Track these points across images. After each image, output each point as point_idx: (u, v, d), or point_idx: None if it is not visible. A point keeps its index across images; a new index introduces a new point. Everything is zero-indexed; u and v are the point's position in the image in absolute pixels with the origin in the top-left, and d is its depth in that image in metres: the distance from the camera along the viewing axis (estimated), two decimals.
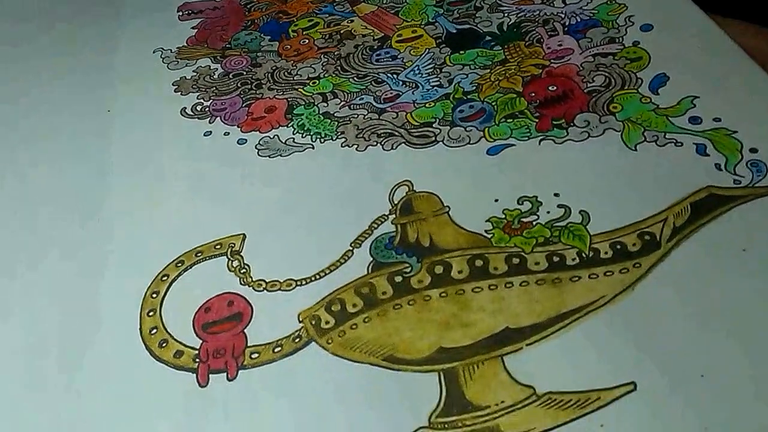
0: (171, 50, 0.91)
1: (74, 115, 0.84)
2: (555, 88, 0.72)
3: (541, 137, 0.67)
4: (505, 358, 0.54)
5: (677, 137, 0.66)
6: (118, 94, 0.86)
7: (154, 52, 0.91)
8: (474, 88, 0.74)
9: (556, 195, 0.63)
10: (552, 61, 0.75)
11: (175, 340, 0.61)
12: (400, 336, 0.56)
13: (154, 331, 0.62)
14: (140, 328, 0.63)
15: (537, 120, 0.69)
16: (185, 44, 0.92)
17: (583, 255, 0.58)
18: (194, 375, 0.59)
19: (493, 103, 0.72)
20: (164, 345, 0.60)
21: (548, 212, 0.62)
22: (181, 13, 0.99)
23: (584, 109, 0.69)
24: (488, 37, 0.79)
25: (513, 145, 0.68)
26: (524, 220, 0.61)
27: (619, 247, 0.58)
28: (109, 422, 0.57)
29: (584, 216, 0.61)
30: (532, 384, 0.52)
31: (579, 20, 0.80)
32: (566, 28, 0.79)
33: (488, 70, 0.75)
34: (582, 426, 0.49)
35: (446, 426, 0.51)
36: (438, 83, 0.75)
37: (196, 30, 0.95)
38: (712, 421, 0.48)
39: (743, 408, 0.48)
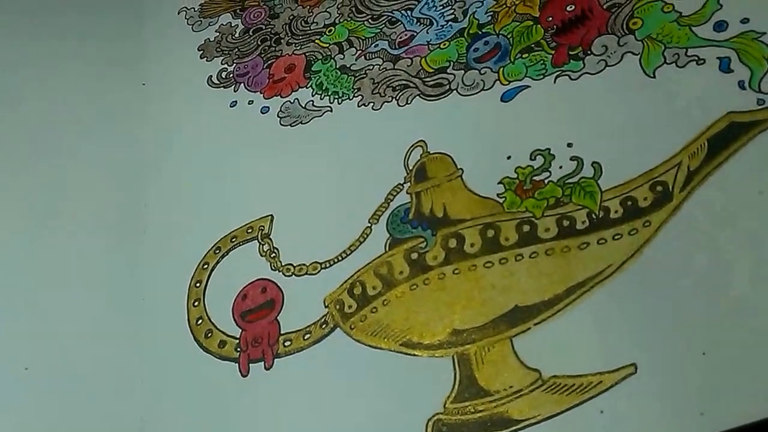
0: (194, 8, 0.94)
1: (108, 92, 0.89)
2: (573, 7, 0.71)
3: (557, 73, 0.68)
4: (514, 339, 0.58)
5: (699, 53, 0.64)
6: (149, 65, 0.92)
7: (178, 13, 0.95)
8: (489, 18, 0.74)
9: (569, 146, 0.64)
10: None
11: (219, 330, 0.69)
12: (417, 318, 0.61)
13: (200, 321, 0.69)
14: (188, 319, 0.71)
15: (553, 52, 0.69)
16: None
17: (593, 216, 0.60)
18: (236, 365, 0.66)
19: (509, 36, 0.72)
20: (210, 335, 0.68)
21: (560, 167, 0.64)
22: None
23: (602, 30, 0.69)
24: None
25: (528, 86, 0.69)
26: (536, 178, 0.64)
27: (629, 203, 0.60)
28: (170, 415, 0.67)
29: (596, 169, 0.62)
30: (538, 367, 0.56)
31: None
32: None
33: None
34: (583, 411, 0.53)
35: (460, 411, 0.57)
36: (453, 16, 0.76)
37: None
38: (709, 405, 0.51)
39: (742, 389, 0.51)
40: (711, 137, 0.60)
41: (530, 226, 0.61)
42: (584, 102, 0.65)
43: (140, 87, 0.89)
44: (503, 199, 0.63)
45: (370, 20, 0.80)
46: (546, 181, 0.62)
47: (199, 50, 0.89)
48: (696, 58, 0.63)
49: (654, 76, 0.64)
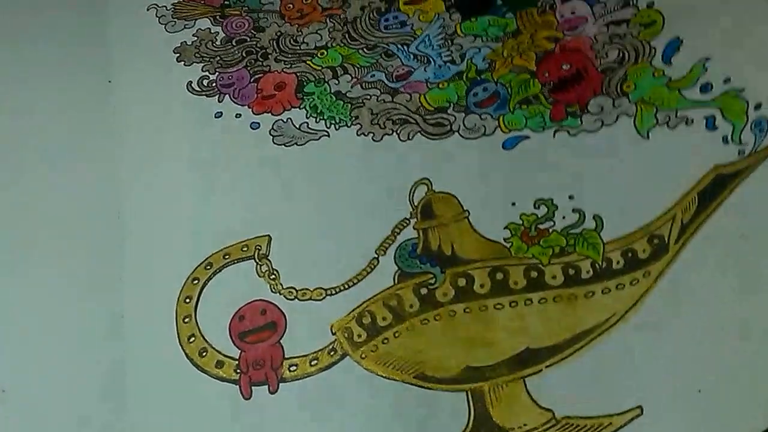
0: (166, 7, 0.91)
1: (74, 91, 0.85)
2: (569, 66, 0.76)
3: (556, 128, 0.73)
4: (527, 379, 0.63)
5: (688, 113, 0.72)
6: (116, 62, 0.87)
7: (148, 10, 0.91)
8: (487, 66, 0.78)
9: (570, 198, 0.69)
10: (565, 32, 0.79)
11: (215, 349, 0.69)
12: (429, 354, 0.65)
13: (192, 338, 0.70)
14: (178, 336, 0.71)
15: (551, 107, 0.74)
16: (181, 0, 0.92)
17: (597, 266, 0.66)
18: (237, 386, 0.68)
19: (507, 85, 0.77)
20: (204, 354, 0.69)
21: (564, 217, 0.69)
22: None
23: (597, 91, 0.74)
24: (499, 2, 0.83)
25: (528, 137, 0.73)
26: (541, 226, 0.68)
27: (630, 255, 0.66)
28: None
29: (597, 221, 0.68)
30: (551, 407, 0.61)
31: None
32: None
33: (500, 44, 0.80)
34: None
35: None
36: (450, 58, 0.80)
37: None
38: None
39: (734, 424, 0.58)
40: (700, 191, 0.68)
41: (538, 273, 0.66)
42: (583, 157, 0.71)
43: (107, 86, 0.86)
44: (510, 244, 0.67)
45: (365, 49, 0.82)
46: (550, 230, 0.68)
47: (175, 52, 0.87)
48: (685, 119, 0.71)
49: (648, 137, 0.70)
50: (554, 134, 0.72)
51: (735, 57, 0.73)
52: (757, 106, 0.69)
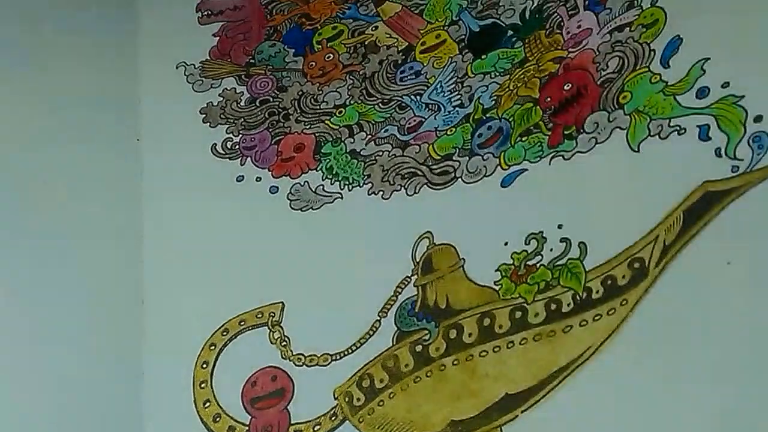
0: (194, 65, 0.98)
1: (101, 147, 0.90)
2: (570, 86, 0.76)
3: (552, 154, 0.73)
4: (504, 427, 0.62)
5: (681, 122, 0.69)
6: (145, 120, 0.93)
7: (177, 68, 0.98)
8: (493, 102, 0.79)
9: (559, 227, 0.68)
10: (570, 50, 0.78)
11: (227, 414, 0.76)
12: (418, 411, 0.68)
13: (207, 404, 0.77)
14: (194, 401, 0.77)
15: (549, 133, 0.73)
16: (209, 57, 0.98)
17: (577, 297, 0.64)
18: None
19: (510, 119, 0.76)
20: (218, 420, 0.76)
21: (551, 249, 0.69)
22: (200, 14, 1.00)
23: (595, 107, 0.73)
24: (510, 32, 0.83)
25: (526, 170, 0.74)
26: (529, 263, 0.69)
27: (609, 282, 0.66)
28: None
29: (582, 249, 0.67)
30: None
31: None
32: (587, 1, 0.80)
33: (508, 76, 0.80)
34: None
35: None
36: (459, 102, 0.82)
37: (217, 38, 0.99)
38: None
39: None
40: (686, 209, 0.66)
41: (522, 312, 0.68)
42: (575, 182, 0.72)
43: (134, 143, 0.91)
44: (499, 286, 0.69)
45: (380, 104, 0.86)
46: (538, 265, 0.69)
47: (201, 113, 0.94)
48: (678, 128, 0.69)
49: (638, 150, 0.70)
50: (550, 161, 0.73)
51: (736, 59, 0.69)
52: (758, 119, 0.65)
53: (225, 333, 0.80)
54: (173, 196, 0.90)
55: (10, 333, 0.77)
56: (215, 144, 0.91)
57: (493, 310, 0.69)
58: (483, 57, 0.86)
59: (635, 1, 0.78)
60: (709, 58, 0.70)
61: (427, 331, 0.71)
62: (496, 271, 0.71)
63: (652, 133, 0.70)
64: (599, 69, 0.77)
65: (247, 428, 0.74)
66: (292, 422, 0.73)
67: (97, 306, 0.82)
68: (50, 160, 0.88)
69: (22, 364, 0.76)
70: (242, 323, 0.80)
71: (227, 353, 0.78)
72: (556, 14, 0.83)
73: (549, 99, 0.78)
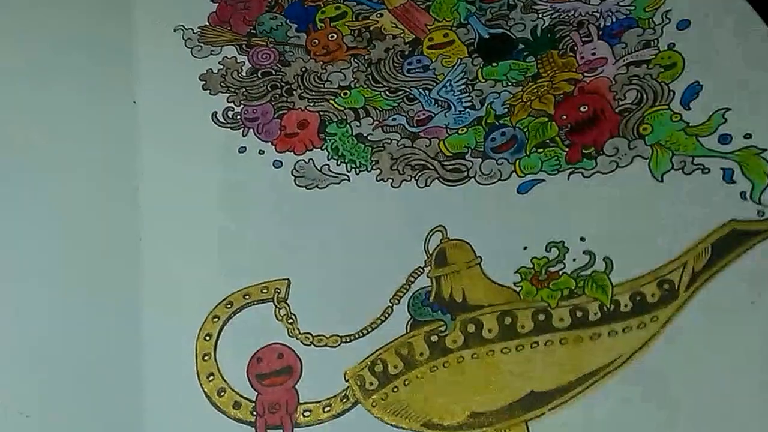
0: (193, 30, 0.96)
1: (96, 111, 0.88)
2: (586, 108, 0.78)
3: (570, 170, 0.75)
4: (530, 423, 0.64)
5: (705, 162, 0.73)
6: (141, 83, 0.91)
7: (175, 31, 0.96)
8: (506, 110, 0.81)
9: (582, 240, 0.71)
10: (585, 74, 0.81)
11: (233, 389, 0.74)
12: (436, 400, 0.69)
13: (212, 377, 0.75)
14: (197, 373, 0.75)
15: (567, 149, 0.76)
16: (208, 23, 0.96)
17: (605, 308, 0.67)
18: (253, 429, 0.72)
19: (525, 129, 0.79)
20: (222, 394, 0.74)
21: (574, 259, 0.71)
22: None
23: (614, 132, 0.76)
24: (521, 45, 0.85)
25: (543, 180, 0.76)
26: (551, 269, 0.71)
27: (638, 298, 0.68)
28: None
29: (607, 263, 0.70)
30: None
31: (615, 20, 0.84)
32: (601, 32, 0.84)
33: (520, 88, 0.82)
34: None
35: None
36: (470, 104, 0.83)
37: (217, 4, 0.98)
38: None
39: None
40: (714, 242, 0.69)
41: (545, 315, 0.68)
42: (596, 199, 0.74)
43: (132, 106, 0.89)
44: (520, 288, 0.69)
45: (387, 92, 0.86)
46: (560, 272, 0.70)
47: (201, 79, 0.92)
48: (702, 167, 0.73)
49: (662, 180, 0.71)
50: (569, 176, 0.75)
51: (756, 116, 0.74)
52: None
53: (229, 306, 0.78)
54: (172, 162, 0.87)
55: None
56: (216, 112, 0.90)
57: (514, 310, 0.72)
58: (494, 65, 0.88)
59: (652, 42, 0.84)
60: (730, 109, 0.76)
61: (443, 323, 0.73)
62: (515, 273, 0.74)
63: (675, 167, 0.75)
64: (616, 98, 0.81)
65: (253, 404, 0.73)
66: (300, 401, 0.72)
67: (93, 277, 0.79)
68: (46, 121, 0.86)
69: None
70: (247, 297, 0.78)
71: (231, 327, 0.77)
72: (569, 38, 0.87)
73: (565, 117, 0.82)
